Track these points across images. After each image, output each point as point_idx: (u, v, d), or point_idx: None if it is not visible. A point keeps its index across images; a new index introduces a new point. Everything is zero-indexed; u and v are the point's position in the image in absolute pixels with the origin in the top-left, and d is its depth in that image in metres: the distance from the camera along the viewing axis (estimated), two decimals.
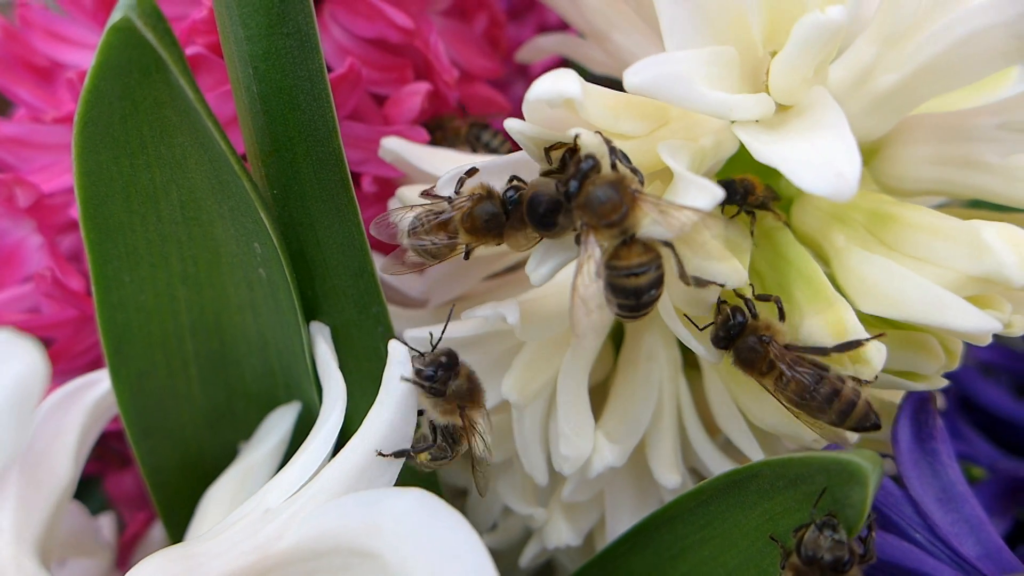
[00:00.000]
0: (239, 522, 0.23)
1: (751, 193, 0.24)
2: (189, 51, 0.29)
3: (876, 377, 0.23)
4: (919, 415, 0.27)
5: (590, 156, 0.21)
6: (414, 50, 0.34)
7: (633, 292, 0.21)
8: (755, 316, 0.23)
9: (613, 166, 0.21)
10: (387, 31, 0.32)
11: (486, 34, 0.39)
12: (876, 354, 0.22)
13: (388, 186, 0.33)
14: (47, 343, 0.35)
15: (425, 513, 0.20)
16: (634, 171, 0.21)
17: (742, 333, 0.23)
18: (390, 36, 0.32)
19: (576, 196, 0.21)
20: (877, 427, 0.23)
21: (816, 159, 0.18)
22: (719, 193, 0.19)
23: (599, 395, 0.31)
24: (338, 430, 0.25)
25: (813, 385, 0.22)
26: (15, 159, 0.33)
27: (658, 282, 0.21)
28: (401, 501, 0.21)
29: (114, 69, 0.20)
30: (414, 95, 0.32)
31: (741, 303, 0.23)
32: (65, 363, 0.34)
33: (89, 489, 0.43)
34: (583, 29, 0.34)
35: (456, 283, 0.34)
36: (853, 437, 0.25)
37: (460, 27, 0.37)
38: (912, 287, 0.22)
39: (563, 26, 0.41)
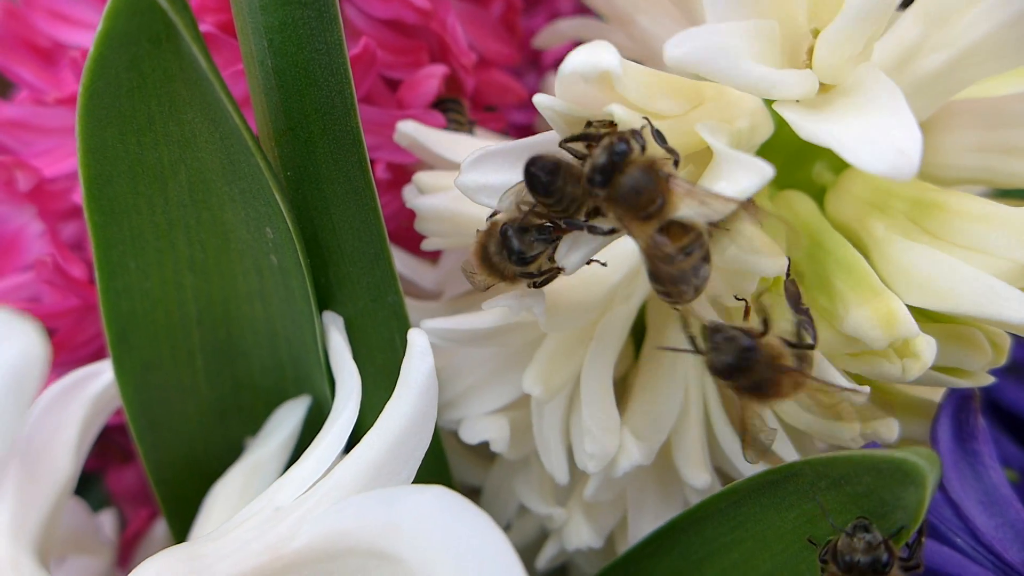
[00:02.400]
0: (248, 520, 0.22)
1: None
2: (201, 29, 0.28)
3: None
4: (960, 414, 0.26)
5: (623, 139, 0.20)
6: (430, 33, 0.32)
7: (681, 277, 0.19)
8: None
9: (643, 148, 0.20)
10: (403, 12, 0.31)
11: (503, 19, 0.37)
12: (926, 348, 0.21)
13: (402, 172, 0.32)
14: (48, 334, 0.34)
15: (447, 512, 0.19)
16: (671, 151, 0.20)
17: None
18: (406, 17, 0.31)
19: (607, 187, 0.20)
20: None
21: (873, 135, 0.17)
22: (768, 171, 0.18)
23: (619, 392, 0.30)
24: (352, 425, 0.24)
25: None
26: (16, 142, 0.32)
27: (706, 259, 0.19)
28: (421, 499, 0.19)
29: (121, 37, 0.18)
30: (430, 78, 0.31)
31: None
32: (67, 354, 0.33)
33: (90, 485, 0.42)
34: (605, 12, 0.33)
35: None
36: (893, 435, 0.24)
37: (476, 11, 0.36)
38: (962, 278, 0.21)
39: (576, 15, 0.40)
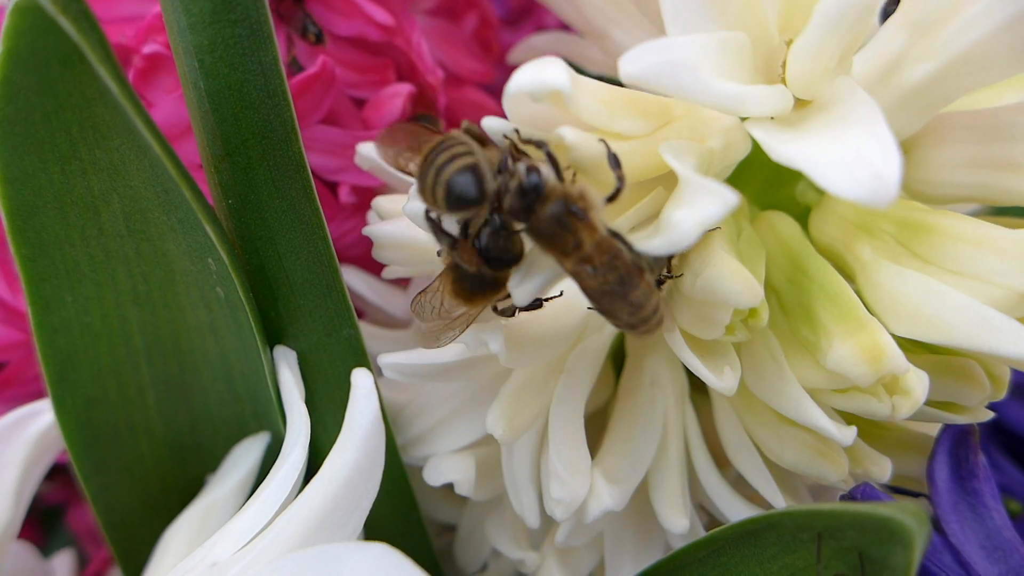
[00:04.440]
0: None
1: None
2: (146, 50, 0.27)
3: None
4: (958, 450, 0.24)
5: (533, 170, 0.18)
6: (396, 50, 0.31)
7: (608, 293, 0.18)
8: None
9: (557, 171, 0.19)
10: (366, 29, 0.29)
11: (476, 35, 0.36)
12: (917, 384, 0.19)
13: (368, 195, 0.31)
14: None
15: (386, 574, 0.17)
16: (619, 178, 0.18)
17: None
18: (369, 34, 0.30)
19: (528, 221, 0.18)
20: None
21: (848, 158, 0.16)
22: (732, 199, 0.16)
23: (599, 423, 0.28)
24: (299, 471, 0.22)
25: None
26: None
27: (629, 275, 0.18)
28: (363, 560, 0.18)
29: (27, 58, 0.17)
30: (395, 97, 0.30)
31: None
32: (18, 388, 0.31)
33: (56, 520, 0.40)
34: (580, 27, 0.32)
35: None
36: (886, 475, 0.22)
37: (447, 27, 0.35)
38: (954, 306, 0.19)
39: (562, 30, 0.38)
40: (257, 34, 0.20)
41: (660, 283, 0.20)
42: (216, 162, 0.21)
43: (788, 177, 0.25)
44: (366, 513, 0.20)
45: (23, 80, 0.17)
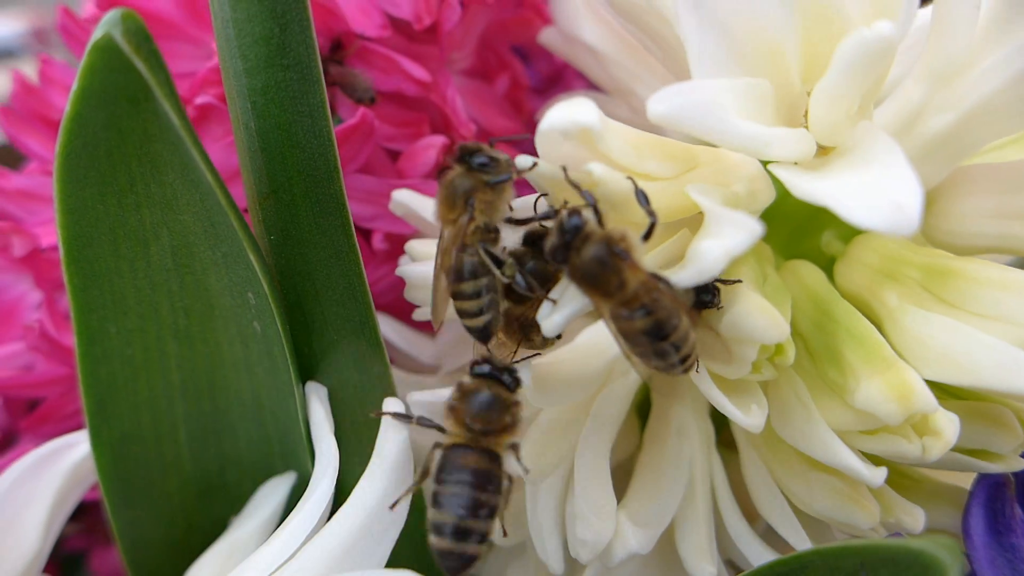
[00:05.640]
0: None
1: None
2: (199, 100, 0.28)
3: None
4: (994, 504, 0.23)
5: (575, 212, 0.19)
6: (431, 105, 0.33)
7: (640, 334, 0.18)
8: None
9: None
10: (403, 84, 0.31)
11: (508, 96, 0.38)
12: (948, 424, 0.19)
13: (400, 243, 0.32)
14: (35, 403, 0.33)
15: None
16: (650, 213, 0.19)
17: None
18: (406, 89, 0.31)
19: (567, 263, 0.19)
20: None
21: (869, 190, 0.16)
22: (757, 229, 0.17)
23: (625, 475, 0.28)
24: (327, 503, 0.22)
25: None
26: (23, 212, 0.33)
27: (662, 317, 0.18)
28: None
29: (99, 95, 0.18)
30: (429, 148, 0.31)
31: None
32: (52, 426, 0.32)
33: (76, 566, 0.40)
34: (607, 86, 0.33)
35: (469, 348, 0.32)
36: (919, 525, 0.22)
37: (481, 87, 0.36)
38: (982, 348, 0.20)
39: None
40: (307, 78, 0.21)
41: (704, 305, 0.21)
42: (261, 199, 0.22)
43: (814, 228, 0.26)
44: (392, 544, 0.20)
45: (92, 116, 0.19)
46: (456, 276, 0.21)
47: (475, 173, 0.21)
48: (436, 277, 0.22)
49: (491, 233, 0.21)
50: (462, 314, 0.22)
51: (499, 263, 0.20)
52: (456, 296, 0.21)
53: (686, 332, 0.19)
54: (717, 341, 0.20)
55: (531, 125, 0.40)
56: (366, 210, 0.31)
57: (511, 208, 0.21)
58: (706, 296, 0.20)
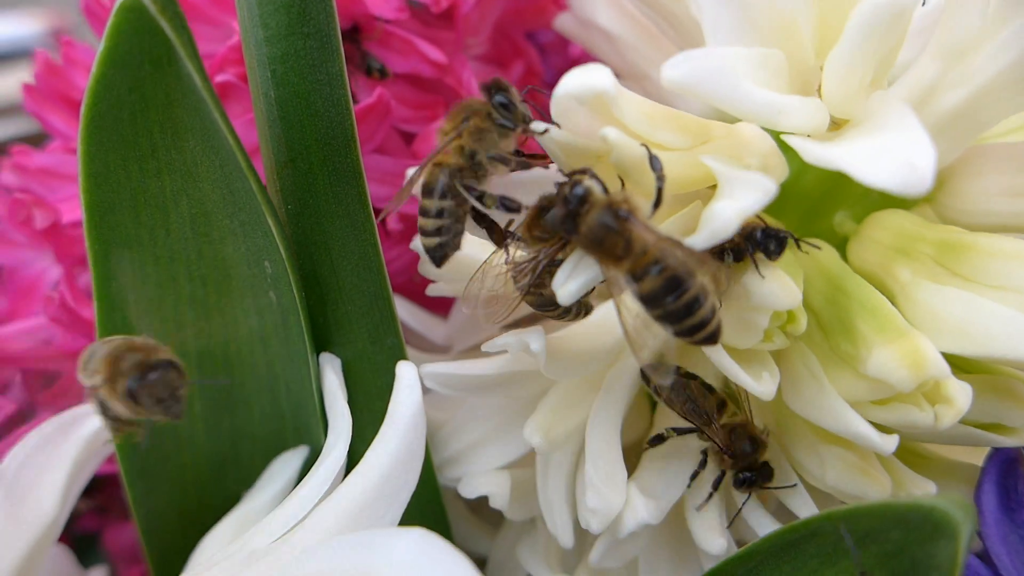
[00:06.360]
0: (219, 564, 0.20)
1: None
2: (219, 78, 0.29)
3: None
4: (1006, 480, 0.23)
5: (577, 183, 0.19)
6: (446, 88, 0.33)
7: (656, 294, 0.19)
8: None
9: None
10: (420, 66, 0.31)
11: (522, 82, 0.38)
12: (960, 392, 0.19)
13: (413, 224, 0.32)
14: (52, 379, 0.34)
15: (426, 558, 0.18)
16: (660, 177, 0.19)
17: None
18: (423, 71, 0.32)
19: (576, 232, 0.19)
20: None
21: (882, 150, 0.16)
22: (770, 187, 0.17)
23: (634, 458, 0.28)
24: (339, 468, 0.23)
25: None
26: (45, 189, 0.33)
27: (676, 278, 0.19)
28: (400, 543, 0.18)
29: (124, 57, 0.19)
30: None
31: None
32: (70, 399, 0.32)
33: (88, 547, 0.40)
34: (621, 70, 0.33)
35: (481, 328, 0.32)
36: None
37: (496, 72, 0.37)
38: (995, 318, 0.20)
39: None
40: (327, 47, 0.21)
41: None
42: (280, 168, 0.23)
43: (827, 208, 0.26)
44: (404, 504, 0.20)
45: (117, 78, 0.19)
46: (426, 190, 0.22)
47: (488, 105, 0.21)
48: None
49: (477, 169, 0.21)
50: (421, 231, 0.22)
51: (479, 197, 0.21)
52: (421, 212, 0.22)
53: (703, 291, 0.19)
54: (728, 310, 0.21)
55: (546, 112, 0.40)
56: (382, 190, 0.31)
57: (509, 163, 0.22)
58: (769, 243, 0.20)
